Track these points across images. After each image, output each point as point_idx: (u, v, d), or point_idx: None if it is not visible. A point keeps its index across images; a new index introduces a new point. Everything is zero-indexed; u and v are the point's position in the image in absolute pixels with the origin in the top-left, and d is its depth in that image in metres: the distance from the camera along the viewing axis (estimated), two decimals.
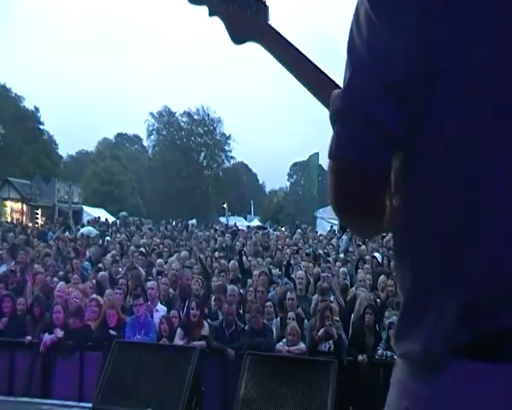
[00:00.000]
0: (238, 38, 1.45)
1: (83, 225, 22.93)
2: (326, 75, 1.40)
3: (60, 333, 6.58)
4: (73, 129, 68.91)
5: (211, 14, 1.45)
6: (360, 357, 6.10)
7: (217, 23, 1.44)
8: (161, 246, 14.20)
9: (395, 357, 1.07)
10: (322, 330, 6.18)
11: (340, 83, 1.16)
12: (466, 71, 0.89)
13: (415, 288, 0.98)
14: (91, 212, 33.97)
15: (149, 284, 7.80)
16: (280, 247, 14.40)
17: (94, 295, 7.59)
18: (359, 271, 9.56)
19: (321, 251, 13.84)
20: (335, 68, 1.35)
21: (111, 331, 6.67)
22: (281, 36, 1.43)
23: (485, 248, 0.90)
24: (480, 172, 0.90)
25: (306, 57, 1.41)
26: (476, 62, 0.89)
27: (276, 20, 1.45)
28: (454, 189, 0.92)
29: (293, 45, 1.42)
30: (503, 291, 0.89)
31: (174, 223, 26.65)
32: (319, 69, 1.41)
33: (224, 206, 41.51)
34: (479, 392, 0.90)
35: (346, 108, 0.96)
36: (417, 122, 0.93)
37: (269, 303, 7.07)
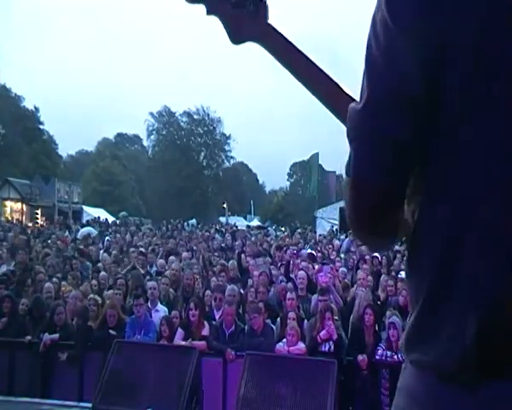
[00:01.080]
0: (236, 38, 1.39)
1: (83, 225, 22.95)
2: (326, 75, 1.37)
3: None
4: (73, 129, 68.97)
5: (208, 12, 1.40)
6: (360, 357, 6.09)
7: (215, 22, 1.43)
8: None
9: (404, 362, 1.04)
10: (324, 331, 6.19)
11: (341, 84, 1.13)
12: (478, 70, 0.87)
13: (432, 296, 0.95)
14: (91, 212, 34.04)
15: (149, 284, 7.79)
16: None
17: (91, 295, 7.61)
18: (359, 271, 9.56)
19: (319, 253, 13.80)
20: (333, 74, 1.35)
21: (111, 331, 6.67)
22: (281, 36, 1.38)
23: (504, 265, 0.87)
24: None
25: (307, 57, 1.37)
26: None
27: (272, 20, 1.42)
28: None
29: (293, 45, 1.37)
30: None
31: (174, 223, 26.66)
32: (320, 69, 1.38)
33: (224, 206, 41.58)
34: None
35: (364, 126, 0.94)
36: (432, 132, 0.92)
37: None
